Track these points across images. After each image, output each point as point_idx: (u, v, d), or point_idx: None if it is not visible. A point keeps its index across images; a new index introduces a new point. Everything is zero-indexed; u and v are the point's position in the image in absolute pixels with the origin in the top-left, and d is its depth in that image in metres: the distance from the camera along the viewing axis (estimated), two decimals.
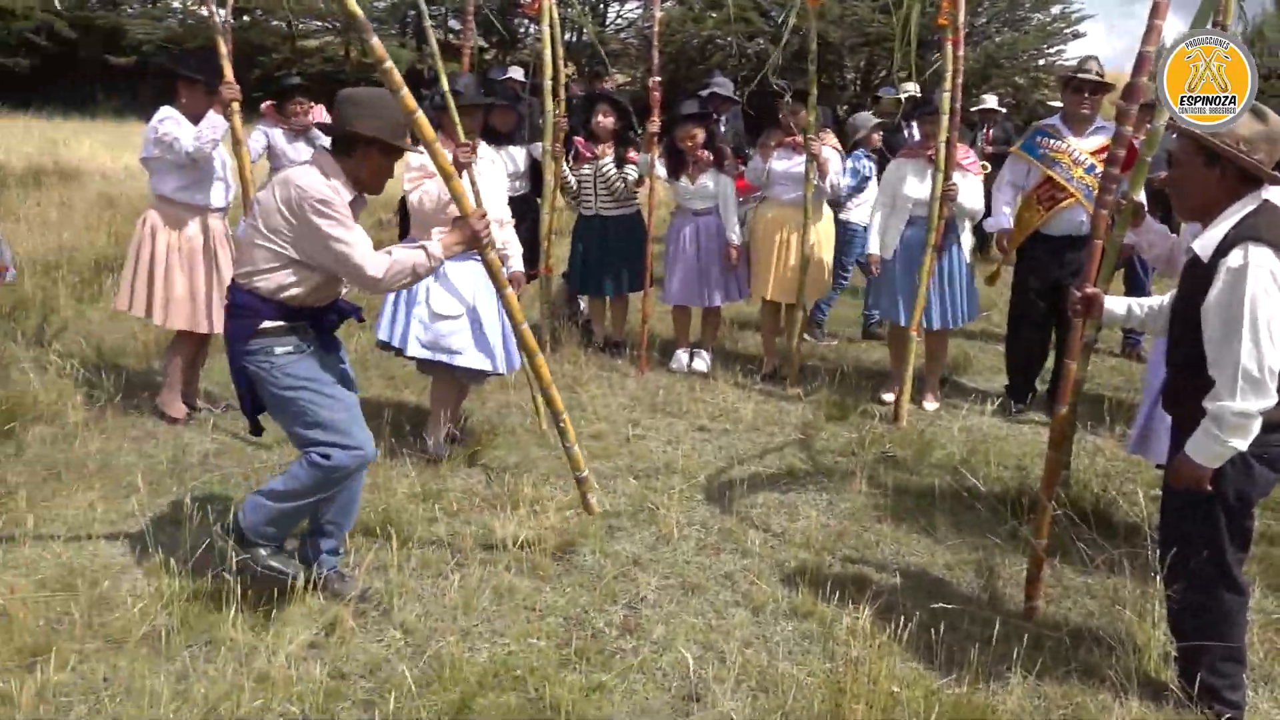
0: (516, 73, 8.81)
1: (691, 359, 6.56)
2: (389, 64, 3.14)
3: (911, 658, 3.25)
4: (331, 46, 29.32)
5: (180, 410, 5.18)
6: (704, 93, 7.79)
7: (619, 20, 28.88)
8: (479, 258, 4.49)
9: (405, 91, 3.19)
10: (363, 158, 3.30)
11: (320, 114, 6.72)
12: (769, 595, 3.64)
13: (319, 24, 30.09)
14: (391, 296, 4.65)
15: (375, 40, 3.16)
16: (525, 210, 6.63)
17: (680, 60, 26.02)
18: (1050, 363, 6.00)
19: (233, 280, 3.38)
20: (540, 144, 6.40)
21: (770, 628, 3.46)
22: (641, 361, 6.43)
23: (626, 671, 3.16)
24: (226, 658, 3.08)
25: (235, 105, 4.82)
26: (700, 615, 3.52)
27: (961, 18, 5.29)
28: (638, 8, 29.96)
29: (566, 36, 5.52)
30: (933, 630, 3.27)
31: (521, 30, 28.72)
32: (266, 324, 3.28)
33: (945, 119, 5.35)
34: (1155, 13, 3.35)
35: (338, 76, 25.32)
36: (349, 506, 3.50)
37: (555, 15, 5.29)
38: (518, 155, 6.90)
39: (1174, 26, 3.41)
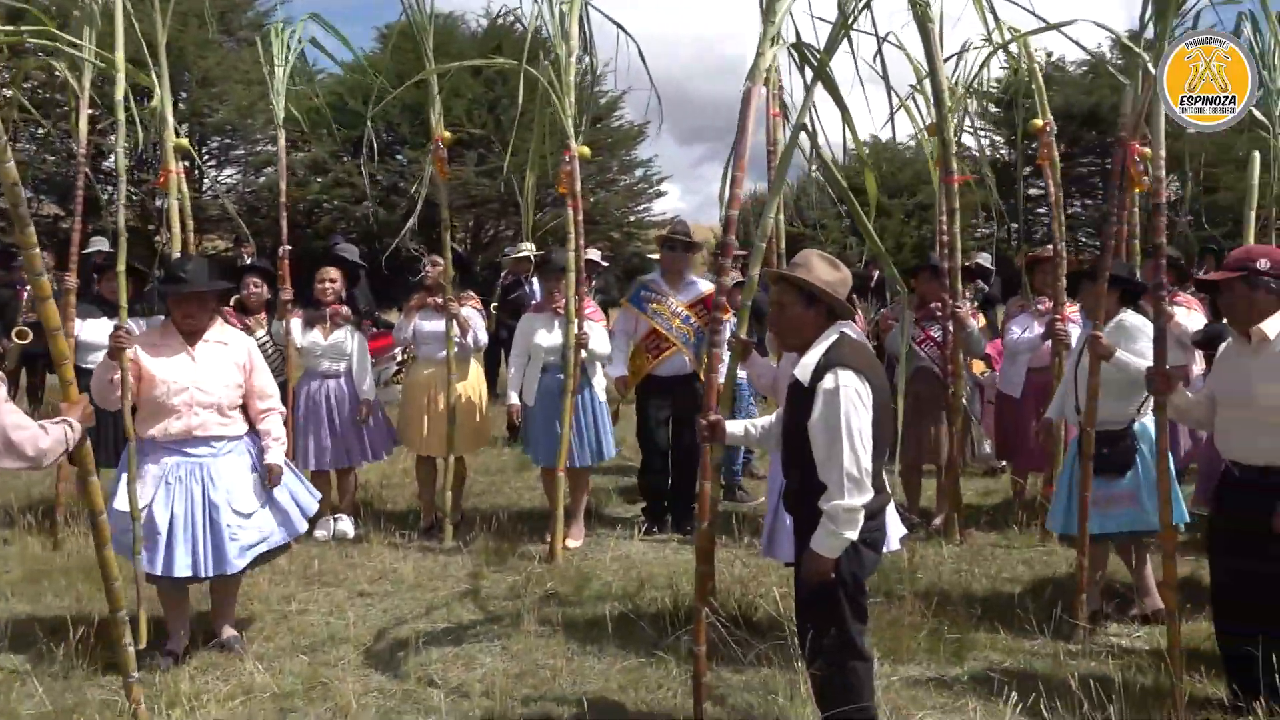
0: (103, 245, 8.34)
1: (335, 523, 6.40)
2: None
3: None
4: None
5: None
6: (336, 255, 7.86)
7: (217, 186, 27.91)
8: (187, 450, 4.38)
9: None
10: None
11: None
12: None
13: None
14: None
15: None
16: None
17: (289, 226, 25.64)
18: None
19: None
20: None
21: None
22: None
23: None
24: None
25: None
26: None
27: (578, 186, 5.92)
28: (236, 174, 29.24)
29: (159, 202, 5.47)
30: None
31: (104, 198, 26.88)
32: None
33: (571, 277, 5.90)
34: (735, 184, 4.02)
35: None
36: None
37: (185, 188, 5.19)
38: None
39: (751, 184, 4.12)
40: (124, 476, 4.38)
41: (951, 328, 6.18)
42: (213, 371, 4.42)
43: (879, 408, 3.35)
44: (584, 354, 6.08)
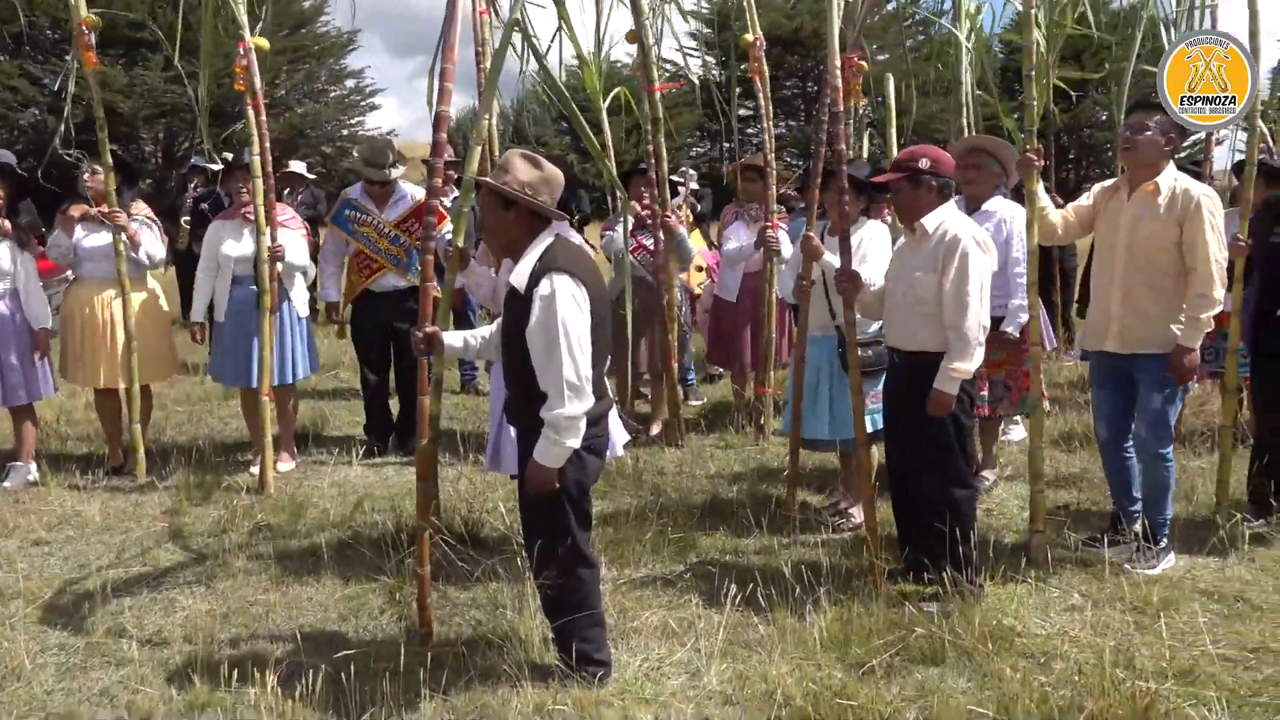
0: None
1: (4, 475, 5.62)
2: None
3: (324, 712, 3.22)
4: None
5: None
6: None
7: None
8: None
9: None
10: None
11: None
12: (158, 699, 3.32)
13: None
14: None
15: None
16: None
17: None
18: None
19: None
20: None
21: None
22: None
23: None
24: None
25: None
26: None
27: (258, 83, 5.39)
28: None
29: None
30: (342, 677, 3.27)
31: None
32: None
33: (258, 183, 5.40)
34: (444, 76, 3.77)
35: None
36: None
37: None
38: None
39: (461, 100, 3.90)
40: None
41: (663, 236, 6.27)
42: None
43: (597, 312, 3.29)
44: (279, 266, 5.62)
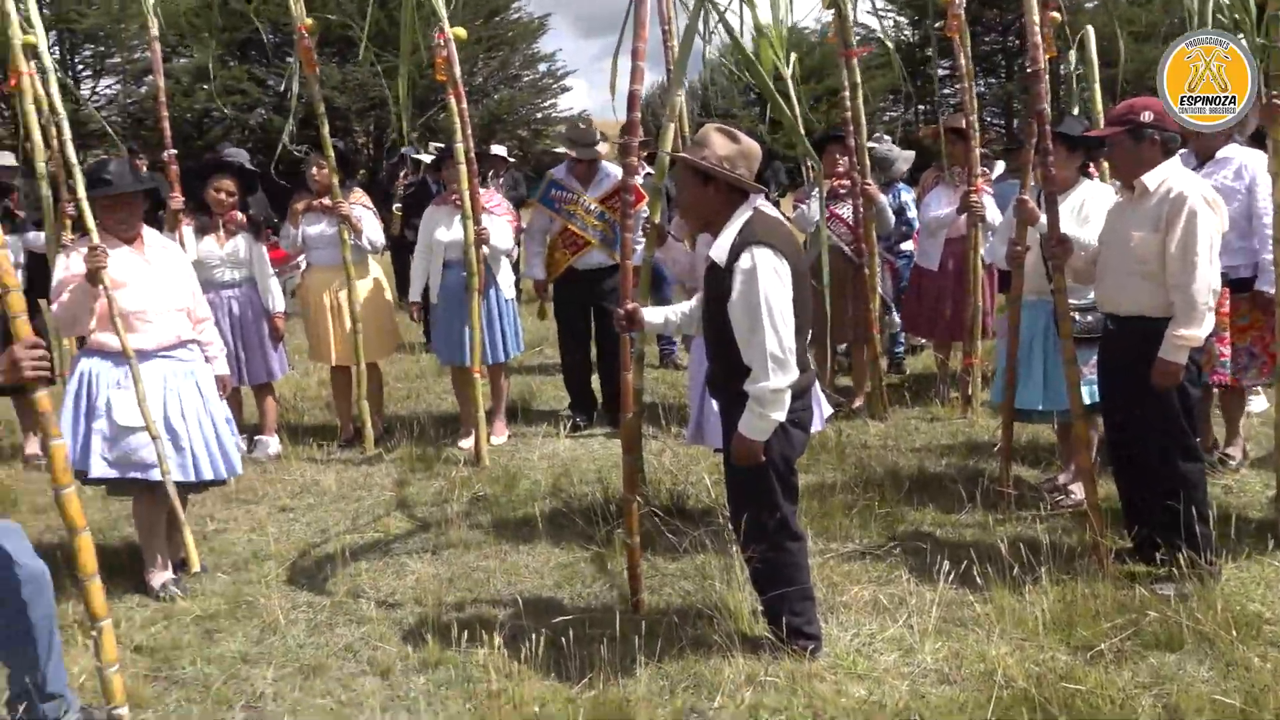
0: (6, 159, 7.76)
1: (252, 447, 6.15)
2: None
3: (545, 675, 3.37)
4: None
5: None
6: (229, 162, 7.40)
7: (96, 99, 26.32)
8: (173, 355, 4.17)
9: None
10: None
11: None
12: (395, 656, 3.57)
13: None
14: (68, 413, 4.00)
15: None
16: (33, 310, 5.84)
17: (176, 137, 24.43)
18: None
19: None
20: (40, 234, 5.70)
21: (403, 686, 3.39)
22: None
23: None
24: None
25: None
26: (327, 694, 3.36)
27: (458, 72, 5.60)
28: (115, 84, 27.56)
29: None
30: (563, 642, 3.41)
31: None
32: None
33: (462, 169, 5.64)
34: (636, 55, 3.81)
35: None
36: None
37: (40, 90, 4.73)
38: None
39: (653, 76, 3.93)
40: (112, 393, 4.06)
41: (861, 205, 6.12)
42: (172, 275, 4.31)
43: (798, 285, 3.27)
44: (485, 250, 5.85)
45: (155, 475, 4.08)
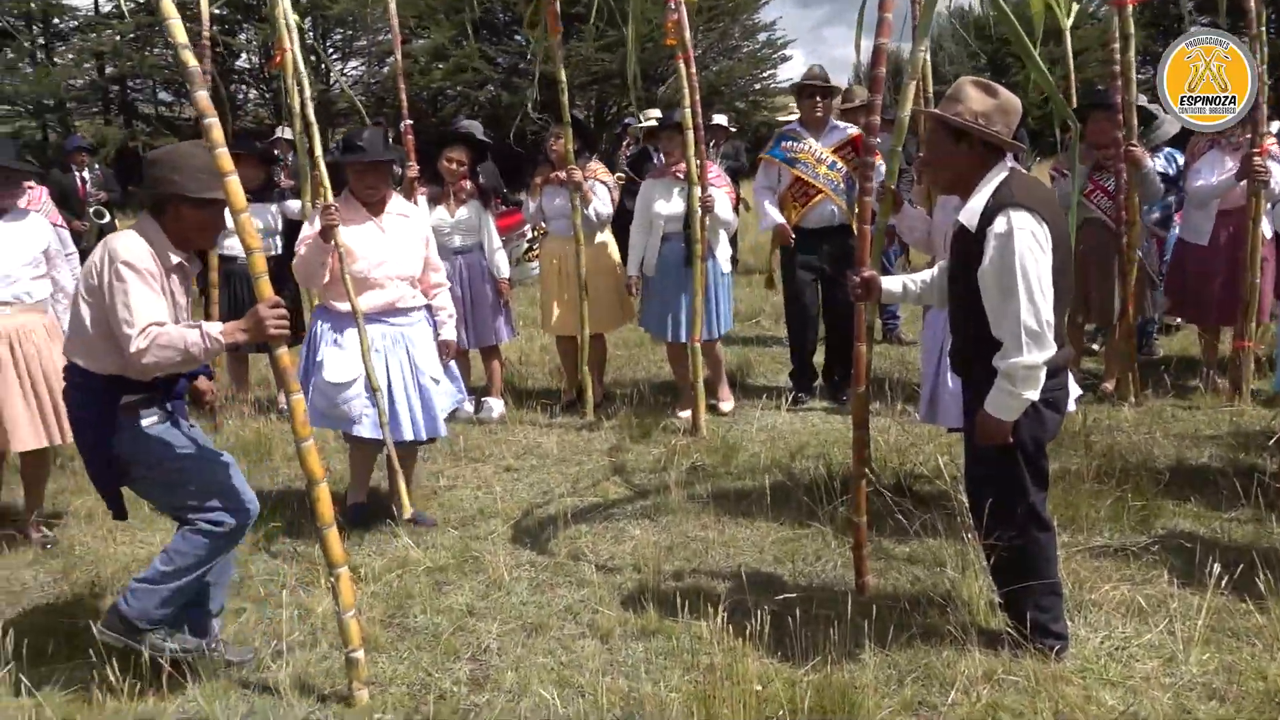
0: (286, 133, 8.39)
1: (479, 409, 6.35)
2: (211, 119, 2.88)
3: (767, 653, 3.26)
4: None
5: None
6: (463, 132, 7.67)
7: (344, 79, 28.20)
8: (386, 320, 4.40)
9: (222, 150, 2.91)
10: (174, 216, 3.12)
11: None
12: (615, 620, 3.56)
13: (6, 108, 27.52)
14: (298, 369, 4.36)
15: (202, 94, 2.91)
16: (286, 273, 6.26)
17: (411, 113, 25.79)
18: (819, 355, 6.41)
19: (68, 360, 3.16)
20: (297, 201, 6.08)
21: (622, 652, 3.38)
22: None
23: None
24: None
25: None
26: (549, 654, 3.39)
27: (688, 35, 5.50)
28: (360, 65, 29.41)
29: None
30: (786, 621, 3.29)
31: (240, 97, 27.52)
32: (127, 398, 3.09)
33: (689, 135, 5.53)
34: (882, 6, 3.57)
35: None
36: (228, 565, 3.40)
37: (301, 67, 5.02)
38: (268, 213, 6.57)
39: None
40: (326, 350, 4.38)
41: (1125, 170, 5.56)
42: (403, 243, 4.49)
43: (1059, 251, 2.97)
44: (707, 220, 5.74)
45: (358, 430, 4.36)
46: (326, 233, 4.27)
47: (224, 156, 2.92)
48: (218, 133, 2.92)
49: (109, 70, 27.01)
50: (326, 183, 4.53)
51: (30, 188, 6.08)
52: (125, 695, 3.05)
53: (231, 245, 6.45)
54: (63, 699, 3.13)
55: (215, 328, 3.02)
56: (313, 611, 3.64)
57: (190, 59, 2.91)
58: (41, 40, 26.98)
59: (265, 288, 2.97)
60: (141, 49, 26.50)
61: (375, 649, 3.43)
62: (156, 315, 2.98)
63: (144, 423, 3.13)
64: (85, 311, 3.09)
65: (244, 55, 27.47)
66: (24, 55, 27.00)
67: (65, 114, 26.22)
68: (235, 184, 2.93)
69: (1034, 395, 2.98)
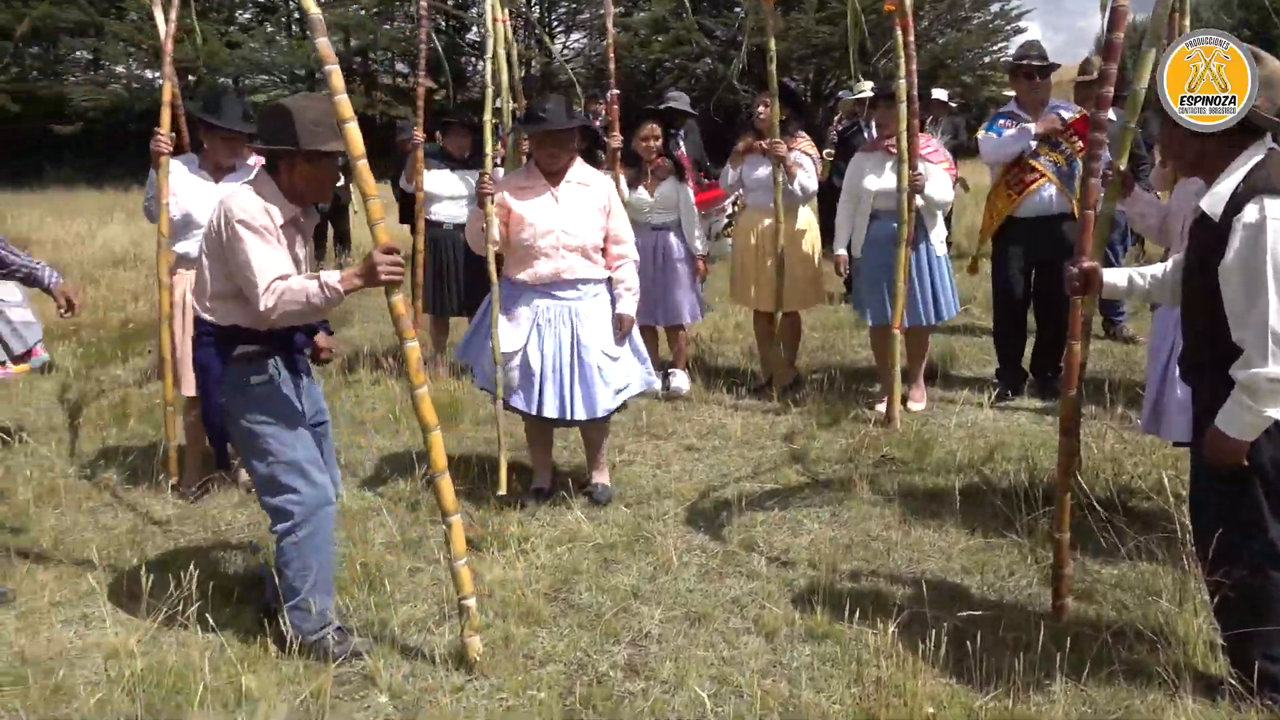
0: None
1: (666, 380, 6.27)
2: (332, 66, 2.90)
3: (943, 673, 3.00)
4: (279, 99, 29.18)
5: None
6: (660, 107, 7.61)
7: (566, 52, 28.88)
8: (550, 293, 4.36)
9: (342, 96, 2.89)
10: (288, 169, 3.16)
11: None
12: (781, 619, 3.39)
13: (265, 78, 29.92)
14: (479, 335, 4.50)
15: (323, 40, 2.92)
16: None
17: (629, 86, 26.07)
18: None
19: (196, 315, 3.28)
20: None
21: (787, 654, 3.20)
22: None
23: (637, 717, 2.89)
24: None
25: (163, 160, 4.53)
26: (710, 647, 3.26)
27: (909, 1, 5.15)
28: (583, 38, 30.03)
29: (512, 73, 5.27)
30: (967, 641, 3.02)
31: (469, 70, 28.68)
32: (240, 349, 3.18)
33: (903, 108, 5.19)
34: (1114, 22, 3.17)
35: None
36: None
37: (509, 35, 5.04)
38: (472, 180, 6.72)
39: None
40: (489, 321, 4.43)
41: None
42: (577, 213, 4.37)
43: None
44: (919, 201, 5.37)
45: (515, 401, 4.38)
46: (481, 200, 4.32)
47: (343, 103, 2.88)
48: (337, 79, 2.88)
49: (353, 43, 28.81)
50: (489, 150, 4.52)
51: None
52: (291, 650, 3.17)
53: (437, 211, 6.65)
54: (240, 646, 3.28)
55: (334, 276, 3.04)
56: (481, 578, 3.67)
57: (312, 6, 2.92)
58: (297, 15, 29.09)
59: (382, 234, 2.98)
60: (382, 23, 28.11)
61: (537, 623, 3.41)
62: (279, 269, 3.06)
63: (252, 379, 3.20)
64: (209, 269, 3.19)
65: (474, 29, 28.58)
66: (282, 29, 29.26)
67: (314, 84, 28.19)
68: (354, 131, 2.90)
69: (1278, 413, 2.57)
